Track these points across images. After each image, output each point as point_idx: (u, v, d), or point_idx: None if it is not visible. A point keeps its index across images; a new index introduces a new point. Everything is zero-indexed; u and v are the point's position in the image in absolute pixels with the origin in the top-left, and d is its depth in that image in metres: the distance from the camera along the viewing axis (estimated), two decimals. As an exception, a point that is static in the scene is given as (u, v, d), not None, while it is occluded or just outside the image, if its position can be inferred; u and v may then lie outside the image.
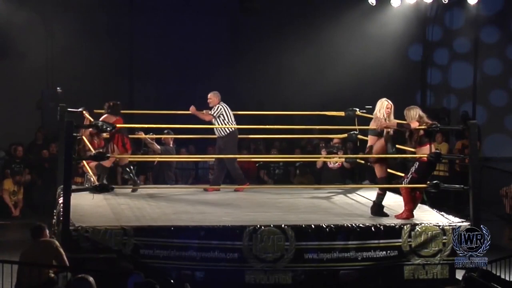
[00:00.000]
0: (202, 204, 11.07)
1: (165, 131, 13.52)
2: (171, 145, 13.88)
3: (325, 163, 14.77)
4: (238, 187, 12.35)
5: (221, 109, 12.32)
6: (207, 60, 18.20)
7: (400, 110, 10.49)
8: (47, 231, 8.85)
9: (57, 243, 8.73)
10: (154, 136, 13.31)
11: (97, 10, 17.54)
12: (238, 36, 18.66)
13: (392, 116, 10.46)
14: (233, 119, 12.38)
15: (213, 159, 13.69)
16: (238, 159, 12.63)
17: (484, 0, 18.37)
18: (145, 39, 18.35)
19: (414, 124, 10.13)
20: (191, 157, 15.32)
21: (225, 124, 12.28)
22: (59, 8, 17.39)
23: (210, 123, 12.39)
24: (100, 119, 11.56)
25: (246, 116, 13.86)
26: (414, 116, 10.19)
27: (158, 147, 13.45)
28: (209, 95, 12.46)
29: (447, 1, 17.25)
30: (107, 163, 11.70)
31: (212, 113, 12.33)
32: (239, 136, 12.58)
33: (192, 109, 12.46)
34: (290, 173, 16.71)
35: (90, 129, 11.76)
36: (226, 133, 12.36)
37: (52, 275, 8.58)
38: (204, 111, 12.45)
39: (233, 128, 12.34)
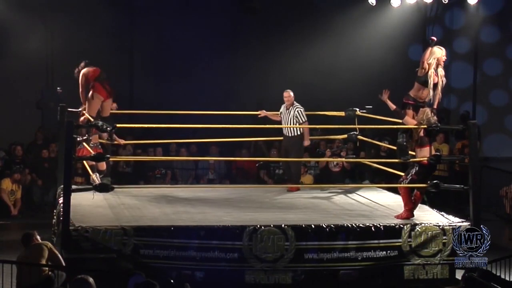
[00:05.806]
0: (202, 204, 11.07)
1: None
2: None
3: (327, 163, 14.77)
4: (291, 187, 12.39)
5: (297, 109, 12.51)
6: (207, 60, 18.20)
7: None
8: (38, 236, 8.86)
9: (50, 244, 8.74)
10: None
11: (97, 10, 17.53)
12: (239, 36, 18.65)
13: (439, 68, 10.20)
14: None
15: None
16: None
17: (484, 0, 18.37)
18: (145, 39, 18.34)
19: (410, 120, 10.09)
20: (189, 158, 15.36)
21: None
22: (59, 8, 17.38)
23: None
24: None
25: (246, 116, 13.85)
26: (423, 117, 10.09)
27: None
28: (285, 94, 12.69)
29: (447, 1, 17.24)
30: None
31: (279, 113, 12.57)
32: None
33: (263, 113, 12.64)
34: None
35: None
36: (294, 134, 12.48)
37: (50, 273, 8.60)
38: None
39: (302, 129, 12.45)
